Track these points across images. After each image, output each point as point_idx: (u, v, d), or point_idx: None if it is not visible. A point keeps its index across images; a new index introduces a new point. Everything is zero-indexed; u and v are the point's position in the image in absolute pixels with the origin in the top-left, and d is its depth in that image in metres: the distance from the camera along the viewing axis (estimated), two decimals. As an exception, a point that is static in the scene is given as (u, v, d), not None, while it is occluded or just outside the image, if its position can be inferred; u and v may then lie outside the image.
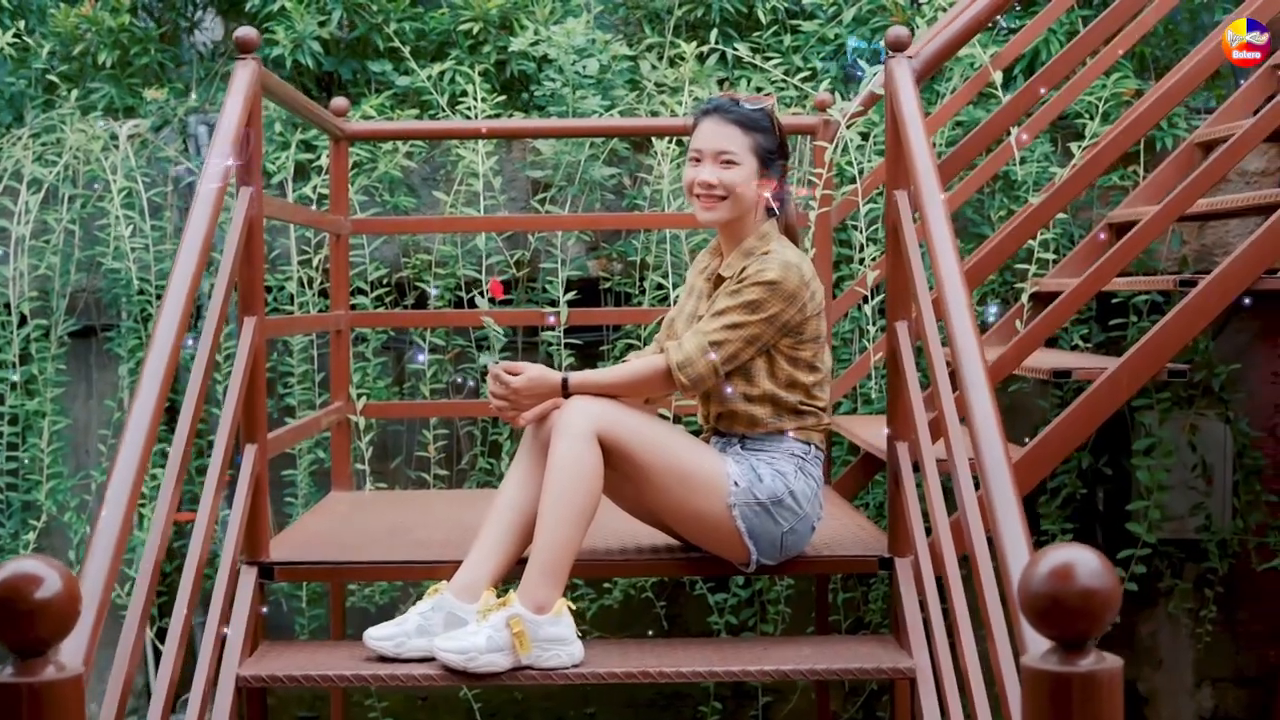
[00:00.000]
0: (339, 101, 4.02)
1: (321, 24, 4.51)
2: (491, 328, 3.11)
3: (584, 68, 4.41)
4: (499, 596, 2.84)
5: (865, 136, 4.23)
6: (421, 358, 4.03)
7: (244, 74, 2.96)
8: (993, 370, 3.18)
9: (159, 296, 4.35)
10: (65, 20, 4.59)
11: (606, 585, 4.43)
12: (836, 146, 3.92)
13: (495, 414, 3.04)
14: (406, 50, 4.58)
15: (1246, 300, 3.49)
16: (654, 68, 4.56)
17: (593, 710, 4.75)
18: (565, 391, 2.96)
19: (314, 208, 4.33)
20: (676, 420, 4.08)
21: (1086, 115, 4.42)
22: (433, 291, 4.36)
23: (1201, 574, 4.68)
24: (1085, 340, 4.47)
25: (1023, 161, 4.39)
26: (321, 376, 4.35)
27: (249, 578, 3.01)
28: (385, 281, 4.45)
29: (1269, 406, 4.73)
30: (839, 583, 4.40)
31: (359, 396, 4.15)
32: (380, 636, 2.88)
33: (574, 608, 2.87)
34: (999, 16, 4.68)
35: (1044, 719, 1.62)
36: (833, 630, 4.26)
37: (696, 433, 3.19)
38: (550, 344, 4.26)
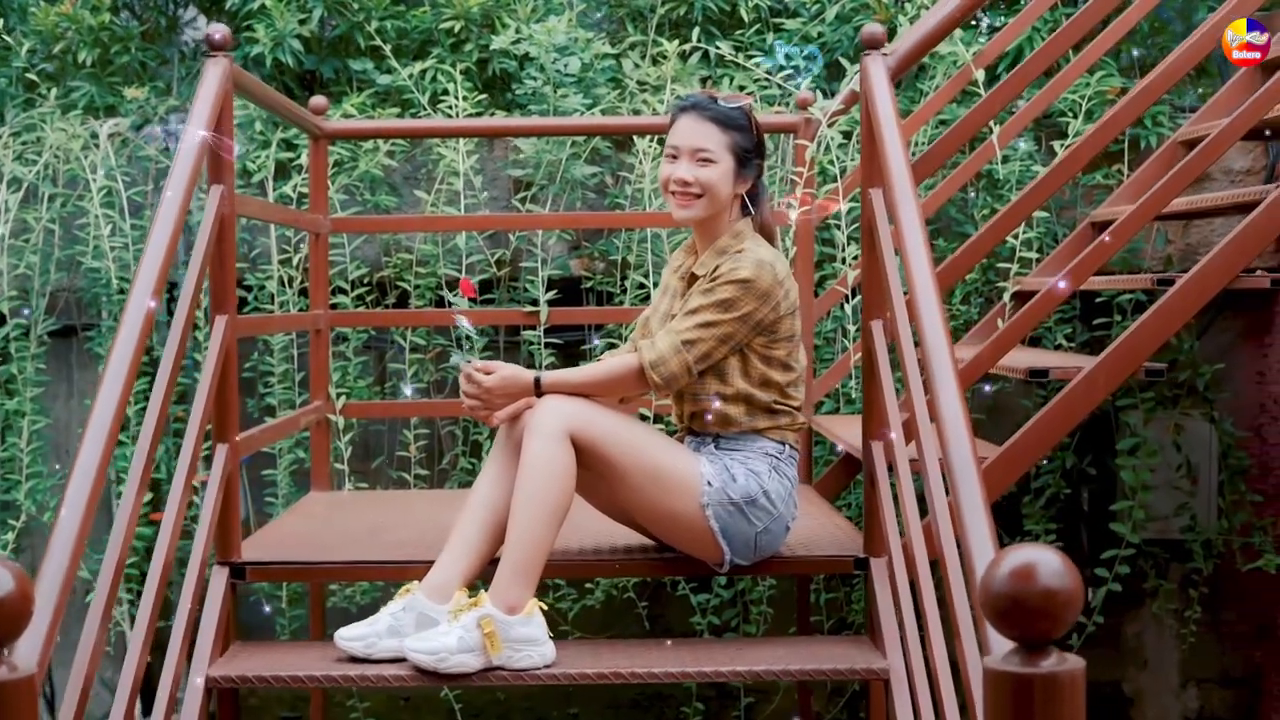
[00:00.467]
0: (318, 100, 4.00)
1: (302, 22, 4.49)
2: (464, 327, 3.08)
3: (565, 66, 4.39)
4: (471, 596, 2.83)
5: (848, 135, 4.21)
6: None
7: (214, 72, 2.94)
8: (969, 369, 3.18)
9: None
10: (46, 18, 4.57)
11: (588, 585, 4.41)
12: (818, 145, 3.91)
13: (468, 413, 3.03)
14: (388, 49, 4.56)
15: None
16: (636, 66, 4.54)
17: (575, 711, 4.74)
18: (538, 391, 2.95)
19: (294, 206, 4.31)
20: (657, 420, 4.07)
21: (1070, 114, 4.41)
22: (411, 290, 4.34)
23: (1186, 574, 4.66)
24: (1069, 340, 4.45)
25: (1006, 160, 4.37)
26: (302, 376, 4.33)
27: (220, 578, 2.99)
28: (366, 281, 4.43)
29: (1254, 406, 4.71)
30: (822, 583, 4.38)
31: (339, 396, 4.14)
32: (351, 637, 2.87)
33: (545, 608, 2.86)
34: (983, 15, 4.67)
35: (1006, 720, 1.61)
36: (815, 631, 4.25)
37: (673, 432, 3.17)
38: (532, 344, 4.25)
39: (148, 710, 2.76)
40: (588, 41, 4.47)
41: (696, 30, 4.57)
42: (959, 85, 4.06)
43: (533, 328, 4.21)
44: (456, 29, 4.56)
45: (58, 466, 4.48)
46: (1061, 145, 4.26)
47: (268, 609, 4.43)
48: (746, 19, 4.63)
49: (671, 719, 4.70)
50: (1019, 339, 3.20)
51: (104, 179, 4.33)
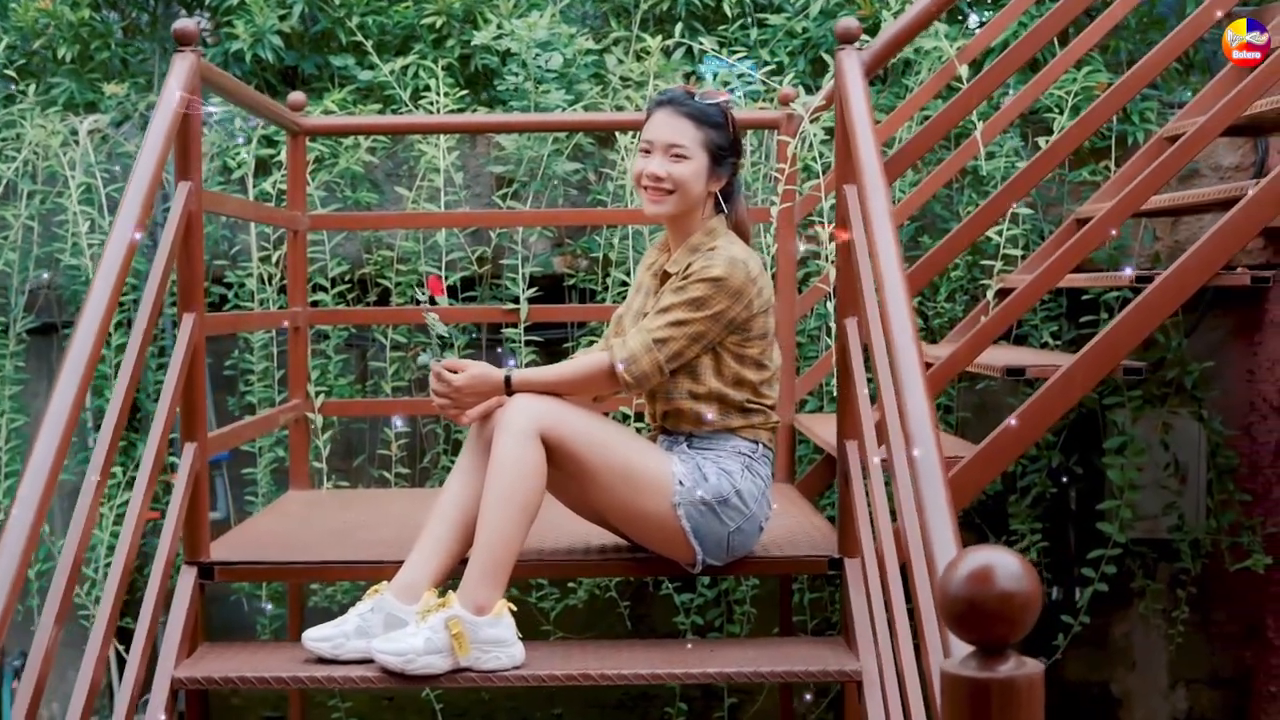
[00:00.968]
0: (296, 96, 3.97)
1: (283, 18, 4.46)
2: (434, 326, 3.05)
3: (547, 62, 4.36)
4: (440, 597, 2.80)
5: (830, 131, 4.17)
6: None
7: (182, 67, 2.91)
8: (945, 368, 3.15)
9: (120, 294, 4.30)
10: (25, 14, 4.54)
11: (571, 585, 4.38)
12: (801, 141, 3.87)
13: (438, 412, 3.00)
14: (370, 45, 4.53)
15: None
16: (620, 61, 4.50)
17: (559, 711, 4.71)
18: (508, 389, 2.92)
19: (274, 203, 4.28)
20: (639, 419, 4.04)
21: (1056, 110, 4.37)
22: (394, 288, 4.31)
23: (1175, 574, 4.63)
24: (1055, 337, 4.41)
25: (992, 156, 4.33)
26: (282, 374, 4.30)
27: (188, 578, 2.97)
28: (348, 278, 4.40)
29: (1244, 404, 4.67)
30: (806, 582, 4.35)
31: (318, 394, 4.11)
32: (318, 638, 2.84)
33: (516, 609, 2.83)
34: (970, 10, 4.64)
35: (964, 725, 1.58)
36: (798, 630, 4.22)
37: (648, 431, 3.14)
38: (513, 342, 4.22)
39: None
40: (571, 37, 4.43)
41: (680, 25, 4.53)
42: (942, 81, 4.03)
43: (514, 325, 4.18)
44: (438, 24, 4.53)
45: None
46: (1048, 141, 4.22)
47: (249, 608, 4.41)
48: (730, 14, 4.59)
49: (656, 718, 4.67)
50: (995, 337, 3.17)
51: (83, 176, 4.30)
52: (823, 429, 3.74)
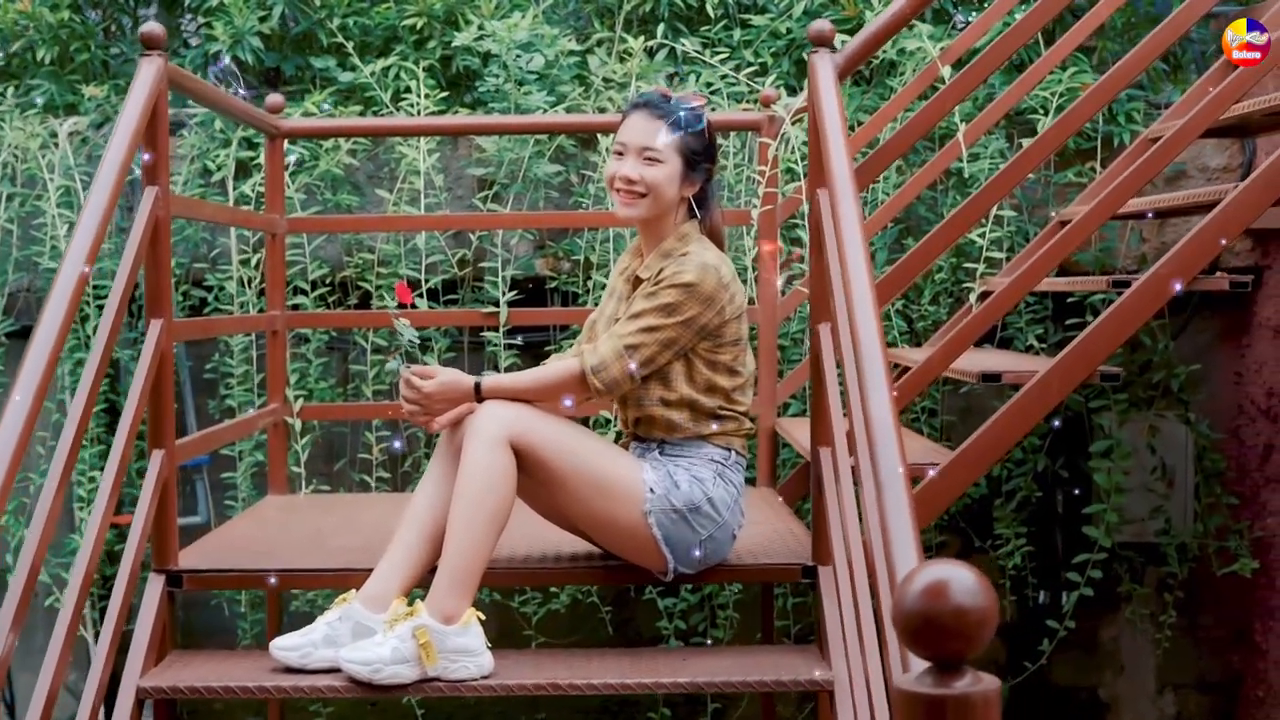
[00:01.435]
0: (274, 98, 3.95)
1: (263, 19, 4.43)
2: (405, 331, 3.03)
3: (528, 63, 4.33)
4: (409, 605, 2.78)
5: (813, 133, 4.14)
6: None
7: (148, 71, 2.88)
8: (920, 373, 3.12)
9: (98, 297, 4.28)
10: (4, 16, 4.51)
11: (553, 590, 4.36)
12: (781, 143, 3.84)
13: (408, 419, 2.97)
14: (351, 46, 4.50)
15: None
16: (603, 63, 4.47)
17: (543, 715, 4.68)
18: (478, 396, 2.89)
19: (253, 205, 4.25)
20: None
21: (1041, 111, 4.34)
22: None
23: (1162, 578, 4.59)
24: (1041, 340, 4.38)
25: (976, 158, 4.30)
26: (261, 378, 4.27)
27: (156, 586, 2.94)
28: (328, 281, 4.38)
29: (1232, 407, 4.64)
30: (789, 588, 4.32)
31: (297, 398, 4.08)
32: (286, 647, 2.82)
33: (484, 618, 2.80)
34: (955, 11, 4.60)
35: (918, 742, 1.55)
36: (782, 635, 4.20)
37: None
38: (493, 345, 4.19)
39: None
40: (553, 38, 4.40)
41: (662, 26, 4.50)
42: (926, 82, 4.00)
43: (494, 329, 4.15)
44: (419, 25, 4.50)
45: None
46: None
47: (229, 613, 4.39)
48: (713, 15, 4.55)
49: (639, 724, 4.65)
50: (971, 342, 3.14)
51: (62, 179, 4.28)
52: (802, 434, 3.70)
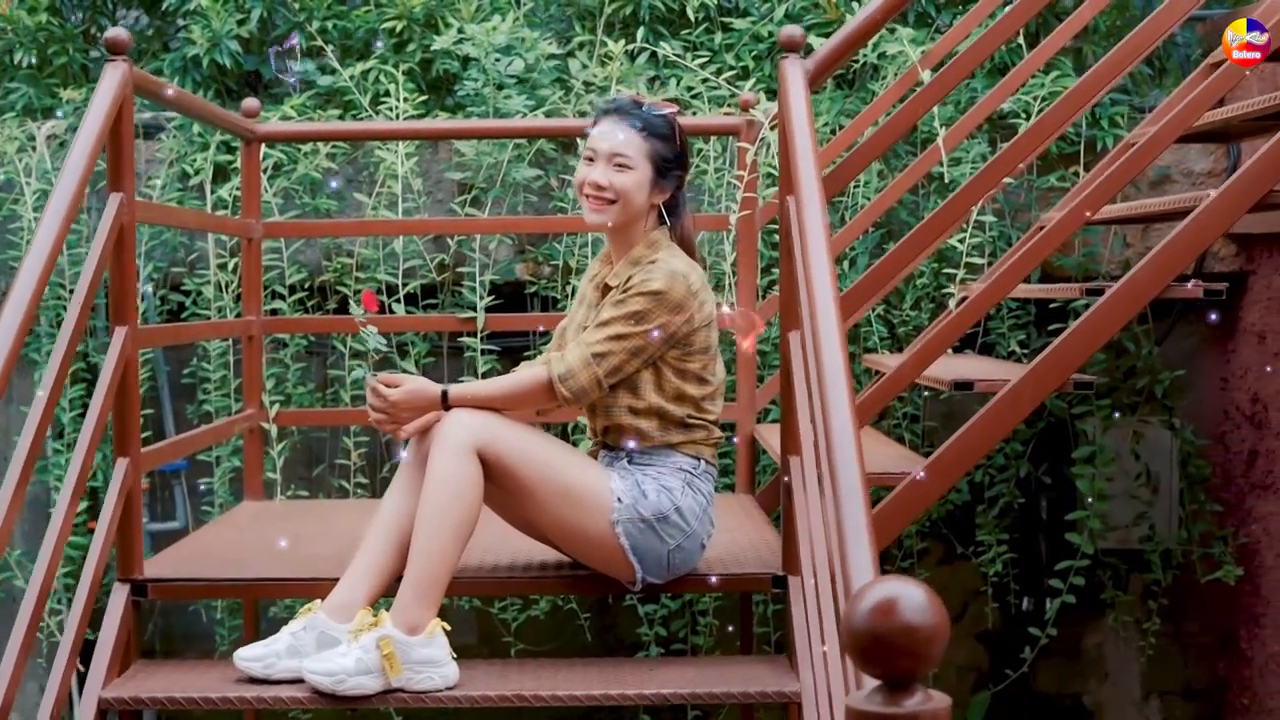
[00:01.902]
0: (249, 102, 3.92)
1: (241, 22, 4.41)
2: (374, 337, 3.00)
3: (508, 66, 4.30)
4: (375, 615, 2.76)
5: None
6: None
7: (112, 77, 2.86)
8: (891, 381, 3.09)
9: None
10: (-17, 19, 4.50)
11: (533, 597, 4.33)
12: (760, 148, 3.82)
13: (375, 427, 2.95)
14: (330, 49, 4.48)
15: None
16: (584, 66, 4.45)
17: (524, 723, 4.66)
18: (445, 404, 2.87)
19: (229, 210, 4.23)
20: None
21: (1023, 115, 4.31)
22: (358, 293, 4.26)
23: (1147, 585, 4.56)
24: (1023, 346, 4.35)
25: (958, 162, 4.28)
26: (238, 383, 4.25)
27: (120, 595, 2.92)
28: (306, 285, 4.35)
29: (1217, 413, 4.61)
30: (770, 595, 4.29)
31: (275, 403, 4.06)
32: (250, 657, 2.80)
33: (448, 628, 2.78)
34: (937, 15, 4.58)
35: (868, 761, 1.53)
36: (759, 643, 4.17)
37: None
38: (471, 350, 4.16)
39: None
40: (534, 41, 4.38)
41: (643, 30, 4.47)
42: (906, 86, 3.97)
43: (472, 334, 4.13)
44: (399, 29, 4.48)
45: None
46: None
47: (206, 619, 4.37)
48: (694, 18, 4.53)
49: (620, 731, 4.63)
50: (945, 349, 3.11)
51: (39, 182, 4.26)
52: (778, 440, 3.68)
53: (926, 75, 3.87)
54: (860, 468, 2.17)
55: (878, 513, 2.81)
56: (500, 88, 4.31)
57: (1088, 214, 2.92)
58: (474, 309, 4.16)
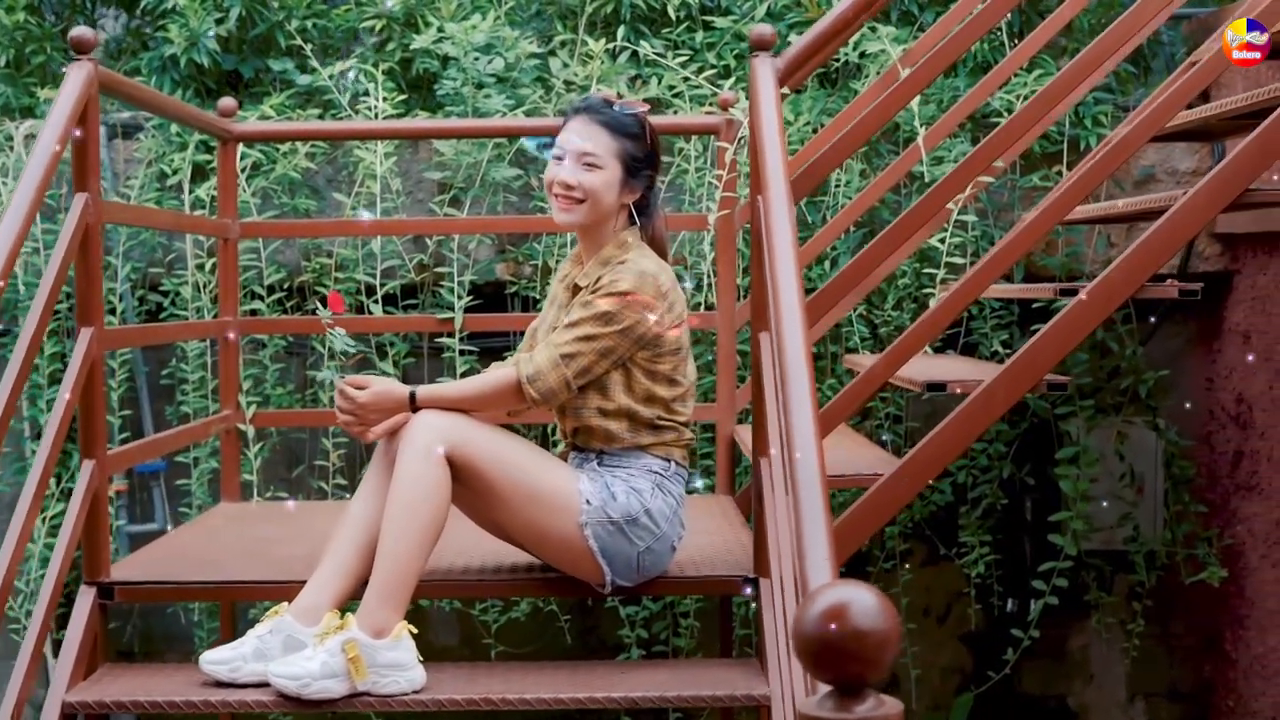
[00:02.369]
0: (226, 102, 3.90)
1: (220, 21, 4.39)
2: (342, 338, 2.98)
3: (488, 65, 4.28)
4: (342, 618, 2.74)
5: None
6: None
7: (77, 76, 2.84)
8: (864, 381, 3.07)
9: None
10: (-40, 19, 4.48)
11: (514, 598, 4.31)
12: (739, 147, 3.80)
13: (343, 428, 2.93)
14: (309, 49, 4.45)
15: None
16: (565, 65, 4.42)
17: (505, 725, 4.64)
18: (413, 406, 2.85)
19: (207, 209, 4.21)
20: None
21: (1006, 113, 4.28)
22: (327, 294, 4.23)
23: (1132, 586, 4.54)
24: (1006, 346, 4.33)
25: (940, 161, 4.25)
26: (215, 384, 4.23)
27: (87, 598, 2.90)
28: (285, 285, 4.33)
29: (1202, 413, 4.59)
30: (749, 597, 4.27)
31: (252, 404, 4.04)
32: (215, 660, 2.78)
33: (415, 631, 2.76)
34: (920, 13, 4.55)
35: (819, 767, 1.51)
36: (743, 645, 4.14)
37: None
38: (450, 350, 4.14)
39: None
40: (514, 41, 4.35)
41: (624, 28, 4.45)
42: (886, 84, 3.94)
43: (450, 335, 4.11)
44: (378, 28, 4.46)
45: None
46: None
47: (185, 620, 4.35)
48: (675, 17, 4.50)
49: (602, 734, 4.60)
50: (918, 350, 3.08)
51: (15, 182, 4.23)
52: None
53: (906, 74, 3.84)
54: (820, 469, 2.15)
55: (849, 515, 2.78)
56: (480, 87, 4.29)
57: (1060, 216, 2.89)
58: (448, 309, 4.13)
